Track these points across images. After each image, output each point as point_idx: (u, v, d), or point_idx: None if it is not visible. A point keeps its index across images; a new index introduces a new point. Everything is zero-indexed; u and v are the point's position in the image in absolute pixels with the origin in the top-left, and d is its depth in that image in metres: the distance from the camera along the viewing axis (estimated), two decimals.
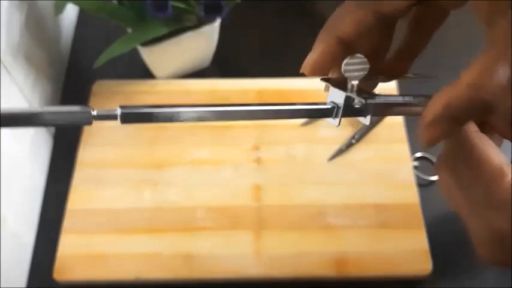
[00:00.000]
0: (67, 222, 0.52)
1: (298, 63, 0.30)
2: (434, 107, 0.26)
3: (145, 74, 0.63)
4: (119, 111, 0.25)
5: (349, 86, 0.27)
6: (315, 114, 0.28)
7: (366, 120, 0.27)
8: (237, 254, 0.51)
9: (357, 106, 0.27)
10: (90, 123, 0.24)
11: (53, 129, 0.60)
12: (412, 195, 0.54)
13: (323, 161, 0.56)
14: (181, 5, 0.54)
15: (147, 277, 0.50)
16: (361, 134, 0.57)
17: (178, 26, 0.56)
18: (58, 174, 0.57)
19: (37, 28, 0.58)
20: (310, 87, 0.61)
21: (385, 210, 0.53)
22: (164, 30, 0.55)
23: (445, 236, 0.53)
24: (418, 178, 0.56)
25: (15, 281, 0.49)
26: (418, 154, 0.58)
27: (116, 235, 0.52)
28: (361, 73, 0.27)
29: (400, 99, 0.29)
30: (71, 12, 0.69)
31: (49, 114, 0.23)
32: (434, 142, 0.26)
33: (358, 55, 0.27)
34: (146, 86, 0.62)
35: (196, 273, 0.50)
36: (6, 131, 0.48)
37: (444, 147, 0.32)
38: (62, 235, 0.51)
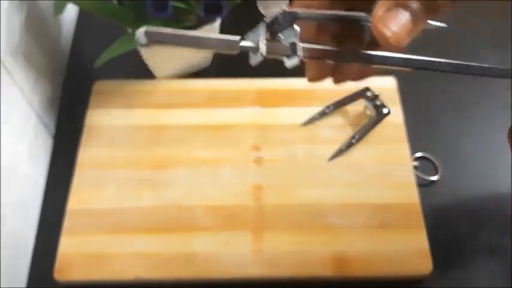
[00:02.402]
0: (67, 222, 0.52)
1: None
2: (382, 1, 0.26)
3: (146, 74, 0.63)
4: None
5: (267, 21, 0.27)
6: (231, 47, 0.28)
7: (293, 62, 0.27)
8: (237, 254, 0.51)
9: (281, 41, 0.28)
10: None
11: (53, 130, 0.60)
12: (412, 195, 0.54)
13: (323, 161, 0.56)
14: (181, 5, 0.54)
15: (147, 277, 0.50)
16: (361, 134, 0.57)
17: (178, 26, 0.56)
18: (58, 174, 0.57)
19: (37, 28, 0.58)
20: (309, 87, 0.61)
21: (385, 210, 0.53)
22: None
23: (445, 236, 0.53)
24: (418, 178, 0.56)
25: (15, 281, 0.49)
26: (418, 154, 0.58)
27: (116, 235, 0.52)
28: (280, 4, 0.27)
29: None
30: (71, 12, 0.69)
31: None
32: (402, 32, 0.26)
33: None
34: (146, 86, 0.62)
35: (196, 273, 0.50)
36: (6, 130, 0.48)
37: None
38: (62, 235, 0.51)
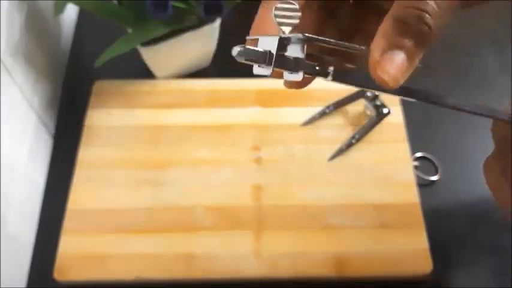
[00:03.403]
0: (67, 222, 0.52)
1: None
2: (378, 42, 0.26)
3: (146, 74, 0.63)
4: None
5: (280, 34, 0.27)
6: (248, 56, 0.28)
7: (298, 76, 0.28)
8: (237, 254, 0.51)
9: (289, 56, 0.27)
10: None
11: (53, 130, 0.60)
12: (412, 195, 0.54)
13: (323, 161, 0.56)
14: (181, 5, 0.54)
15: (147, 277, 0.50)
16: (361, 134, 0.57)
17: (178, 26, 0.56)
18: (58, 174, 0.57)
19: (37, 28, 0.58)
20: (309, 87, 0.61)
21: (385, 210, 0.53)
22: (164, 30, 0.55)
23: (445, 236, 0.53)
24: (418, 178, 0.56)
25: (15, 281, 0.49)
26: (418, 154, 0.58)
27: (116, 235, 0.52)
28: (293, 21, 0.27)
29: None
30: (71, 12, 0.69)
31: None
32: (399, 73, 0.26)
33: (290, 1, 0.27)
34: (146, 86, 0.62)
35: (196, 273, 0.50)
36: (6, 130, 0.48)
37: (496, 146, 0.31)
38: (62, 235, 0.51)
